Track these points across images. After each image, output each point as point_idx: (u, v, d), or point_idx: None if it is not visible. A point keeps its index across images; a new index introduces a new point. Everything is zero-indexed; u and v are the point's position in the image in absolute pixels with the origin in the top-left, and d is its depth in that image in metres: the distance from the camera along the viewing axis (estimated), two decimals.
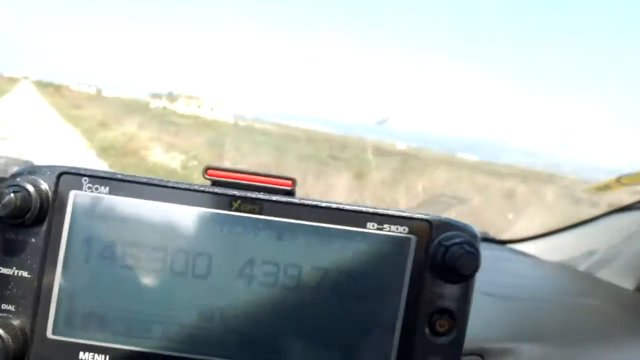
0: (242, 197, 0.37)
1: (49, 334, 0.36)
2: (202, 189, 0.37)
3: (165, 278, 0.37)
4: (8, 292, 0.36)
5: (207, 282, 0.37)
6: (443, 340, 0.37)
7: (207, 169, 0.38)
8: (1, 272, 0.36)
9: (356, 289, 0.37)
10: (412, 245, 0.37)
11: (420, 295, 0.37)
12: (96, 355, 0.36)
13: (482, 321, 0.77)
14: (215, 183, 0.38)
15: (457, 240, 0.36)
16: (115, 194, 0.37)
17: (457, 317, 0.37)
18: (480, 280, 0.98)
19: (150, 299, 0.37)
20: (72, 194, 0.37)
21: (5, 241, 0.36)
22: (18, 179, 0.36)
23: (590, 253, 1.35)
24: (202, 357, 0.37)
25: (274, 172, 0.38)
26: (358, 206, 0.37)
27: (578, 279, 1.27)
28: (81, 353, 0.36)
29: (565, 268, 1.34)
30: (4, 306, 0.36)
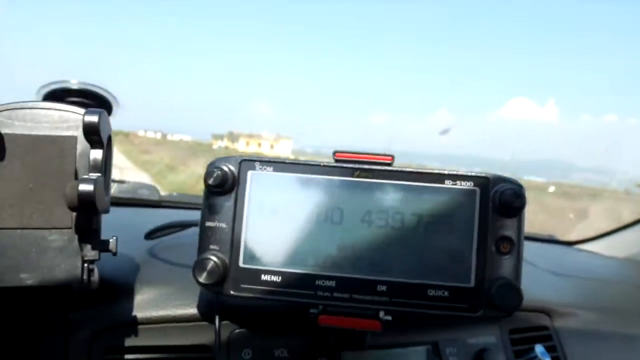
0: (360, 168, 0.56)
1: (241, 263, 0.55)
2: (334, 165, 0.56)
3: (314, 225, 0.55)
4: (214, 237, 0.56)
5: (341, 226, 0.55)
6: (506, 257, 0.54)
7: (335, 152, 0.57)
8: (209, 224, 0.56)
9: (442, 226, 0.54)
10: (477, 194, 0.54)
11: (487, 227, 0.54)
12: (272, 276, 0.55)
13: (551, 292, 0.92)
14: (340, 161, 0.57)
15: (508, 187, 0.53)
16: (278, 171, 0.56)
17: (514, 241, 0.54)
18: (551, 264, 1.13)
19: (304, 239, 0.55)
20: (250, 173, 0.56)
21: (210, 204, 0.56)
22: (217, 164, 0.56)
23: None
24: (341, 274, 0.54)
25: None
26: (438, 169, 0.55)
27: None
28: (262, 275, 0.55)
29: (628, 261, 1.42)
30: (212, 246, 0.55)
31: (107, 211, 0.49)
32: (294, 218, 0.56)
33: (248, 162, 0.57)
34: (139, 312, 0.59)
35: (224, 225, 0.56)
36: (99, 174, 0.46)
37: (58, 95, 0.79)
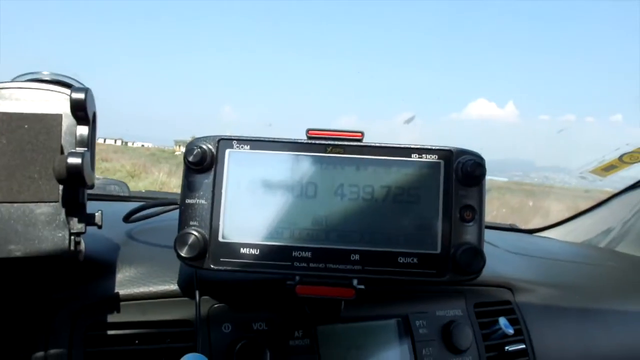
0: (332, 144, 0.59)
1: (220, 238, 0.57)
2: (308, 141, 0.59)
3: (289, 199, 0.58)
4: (194, 213, 0.58)
5: (316, 200, 0.58)
6: (469, 225, 0.58)
7: (308, 130, 0.60)
8: (189, 201, 0.58)
9: (410, 196, 0.58)
10: (442, 166, 0.58)
11: (451, 196, 0.58)
12: (250, 249, 0.57)
13: (513, 269, 0.97)
14: (313, 138, 0.60)
15: (469, 158, 0.58)
16: (255, 149, 0.59)
17: (477, 209, 0.58)
18: (512, 246, 1.19)
19: (281, 213, 0.58)
20: (228, 151, 0.59)
21: (190, 182, 0.58)
22: (197, 142, 0.58)
23: (607, 231, 1.51)
24: (316, 245, 0.57)
25: None
26: (405, 144, 0.59)
27: (598, 251, 1.44)
28: (241, 249, 0.57)
29: (586, 245, 1.51)
30: (192, 222, 0.57)
31: (92, 186, 0.50)
32: (271, 193, 0.58)
33: (226, 140, 0.59)
34: (121, 289, 0.60)
35: (203, 201, 0.58)
36: (85, 149, 0.47)
37: None
